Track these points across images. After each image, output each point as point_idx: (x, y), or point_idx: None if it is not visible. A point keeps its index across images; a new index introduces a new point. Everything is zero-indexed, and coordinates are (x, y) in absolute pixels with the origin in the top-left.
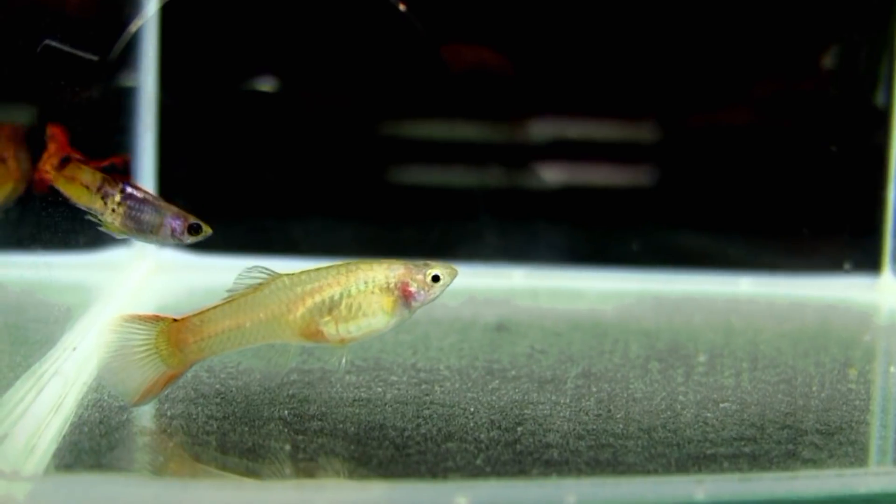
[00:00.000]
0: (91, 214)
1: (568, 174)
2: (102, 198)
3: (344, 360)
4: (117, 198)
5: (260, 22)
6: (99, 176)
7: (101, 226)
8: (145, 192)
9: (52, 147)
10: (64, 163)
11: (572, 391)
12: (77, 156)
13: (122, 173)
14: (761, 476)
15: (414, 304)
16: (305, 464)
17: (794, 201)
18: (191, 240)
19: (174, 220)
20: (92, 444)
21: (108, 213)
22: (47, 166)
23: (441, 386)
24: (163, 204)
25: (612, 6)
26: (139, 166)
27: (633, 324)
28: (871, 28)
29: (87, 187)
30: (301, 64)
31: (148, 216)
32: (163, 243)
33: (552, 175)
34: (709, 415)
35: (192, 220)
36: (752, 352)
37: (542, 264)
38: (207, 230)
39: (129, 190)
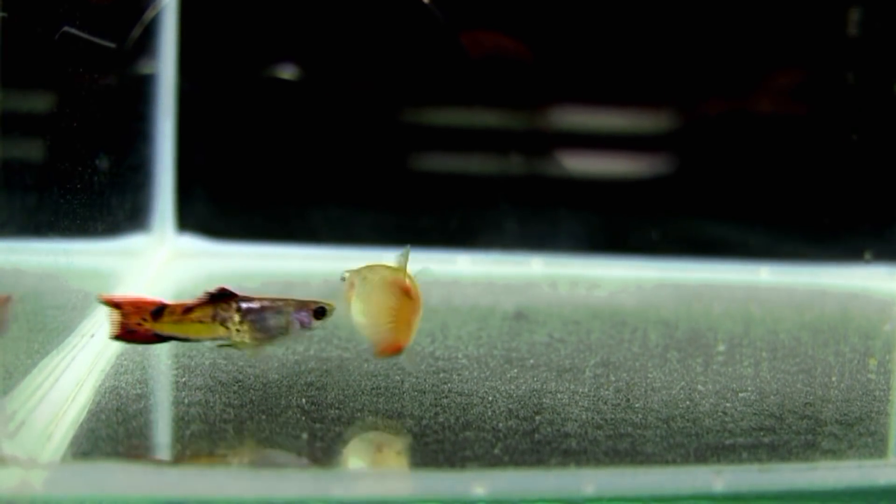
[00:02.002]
0: (223, 343)
1: (587, 162)
2: (222, 324)
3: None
4: (237, 318)
5: (279, 8)
6: (208, 307)
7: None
8: (260, 300)
9: (125, 308)
10: (159, 312)
11: (591, 380)
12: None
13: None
14: (780, 467)
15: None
16: (323, 452)
17: (814, 190)
18: (319, 324)
19: (299, 313)
20: (109, 431)
21: (235, 334)
22: (139, 320)
23: (459, 374)
24: (280, 303)
25: None
26: (158, 153)
27: (652, 312)
28: (894, 17)
29: (202, 321)
30: (320, 51)
31: (273, 321)
32: (296, 338)
33: (571, 163)
34: (728, 405)
35: (314, 305)
36: (771, 341)
37: (561, 252)
38: (332, 307)
39: (244, 305)
